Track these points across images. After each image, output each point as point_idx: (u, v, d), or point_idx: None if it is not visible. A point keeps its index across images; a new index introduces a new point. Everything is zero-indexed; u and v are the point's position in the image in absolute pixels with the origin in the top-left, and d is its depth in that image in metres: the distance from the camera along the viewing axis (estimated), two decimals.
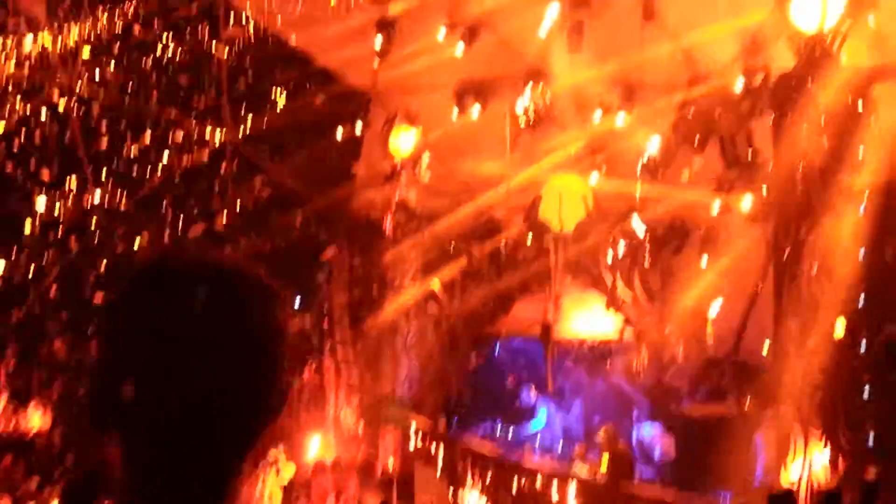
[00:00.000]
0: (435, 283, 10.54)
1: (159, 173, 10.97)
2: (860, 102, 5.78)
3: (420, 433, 10.38)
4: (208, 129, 10.78)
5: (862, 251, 5.70)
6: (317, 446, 11.46)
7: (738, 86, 6.67)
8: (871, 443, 5.66)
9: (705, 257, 7.71)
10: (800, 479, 5.84)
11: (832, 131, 5.80)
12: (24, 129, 10.48)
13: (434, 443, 9.92)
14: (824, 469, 5.74)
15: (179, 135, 11.02)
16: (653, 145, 7.74)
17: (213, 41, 10.37)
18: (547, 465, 8.52)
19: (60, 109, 10.49)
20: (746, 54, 6.60)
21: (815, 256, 5.86)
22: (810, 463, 5.83)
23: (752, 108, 6.55)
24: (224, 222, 11.04)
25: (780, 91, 6.24)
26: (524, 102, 8.49)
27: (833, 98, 5.79)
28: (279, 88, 10.70)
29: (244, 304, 0.96)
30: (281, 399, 0.98)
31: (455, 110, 9.19)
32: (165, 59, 10.43)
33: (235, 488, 0.96)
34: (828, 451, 5.68)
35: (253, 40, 10.35)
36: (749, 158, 6.75)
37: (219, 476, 0.95)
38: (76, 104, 10.44)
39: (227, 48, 10.45)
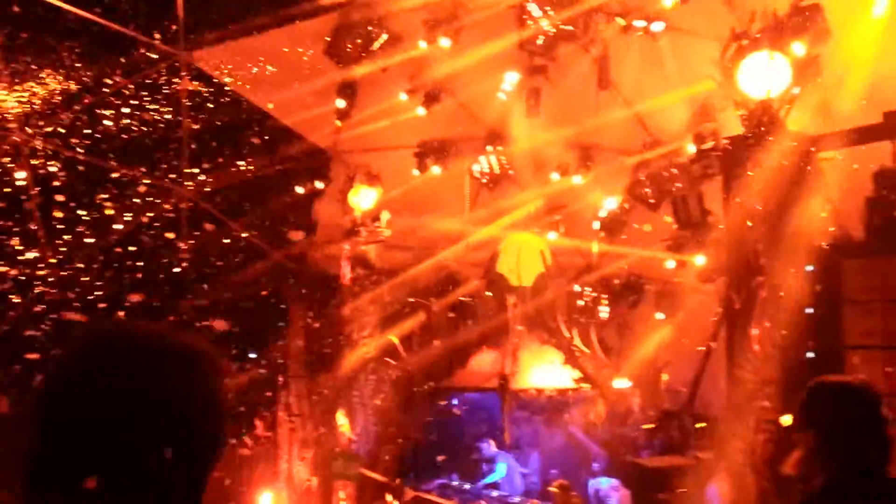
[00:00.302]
0: (393, 337, 10.60)
1: (116, 230, 10.89)
2: (806, 167, 6.10)
3: (376, 487, 10.32)
4: (167, 184, 10.78)
5: (811, 310, 5.97)
6: (268, 502, 11.28)
7: (690, 150, 6.99)
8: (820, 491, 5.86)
9: (660, 314, 7.96)
10: None
11: (779, 194, 6.11)
12: None
13: (391, 496, 9.87)
14: None
15: (137, 192, 10.98)
16: (609, 205, 8.03)
17: (174, 98, 10.44)
18: None
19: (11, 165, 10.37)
20: (697, 120, 6.96)
21: (766, 313, 6.11)
22: None
23: (703, 170, 6.86)
24: (183, 278, 10.96)
25: (729, 155, 6.56)
26: (483, 163, 8.76)
27: (779, 162, 6.12)
28: (241, 145, 10.79)
29: (173, 375, 1.05)
30: (202, 469, 1.08)
31: (416, 171, 9.42)
32: (124, 117, 10.43)
33: None
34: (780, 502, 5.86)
35: (214, 98, 10.46)
36: (700, 219, 7.05)
37: None
38: (29, 161, 10.33)
39: (187, 104, 10.53)
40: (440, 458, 10.29)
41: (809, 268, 6.11)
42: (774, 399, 6.06)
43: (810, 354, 6.07)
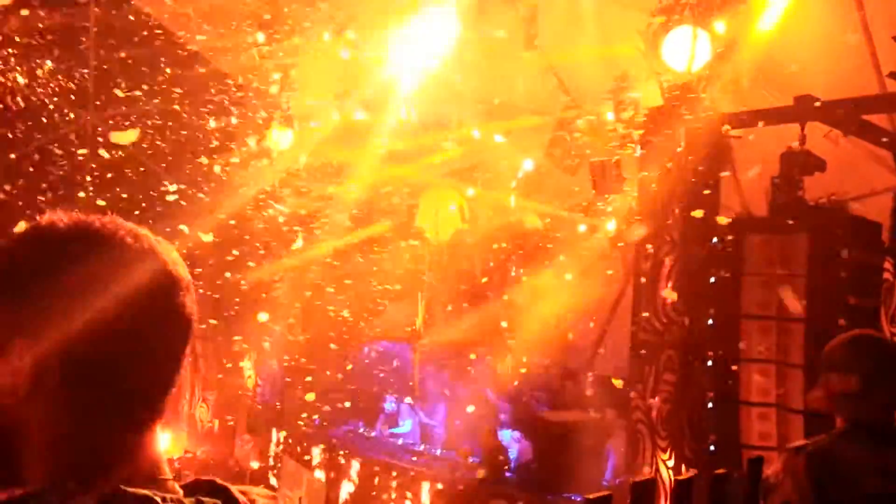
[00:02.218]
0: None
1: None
2: (718, 143, 6.34)
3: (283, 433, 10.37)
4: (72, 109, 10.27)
5: (712, 279, 6.27)
6: (166, 444, 11.18)
7: (609, 117, 7.12)
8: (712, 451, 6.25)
9: (569, 275, 8.19)
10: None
11: (691, 167, 6.33)
12: None
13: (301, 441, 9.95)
14: (669, 474, 6.28)
15: (38, 117, 10.43)
16: (527, 166, 8.14)
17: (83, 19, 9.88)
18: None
19: None
20: (618, 89, 7.08)
21: (671, 280, 6.38)
22: (657, 468, 6.36)
23: (621, 138, 7.02)
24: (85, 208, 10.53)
25: (647, 125, 6.73)
26: (404, 112, 8.67)
27: (694, 136, 6.33)
28: (152, 73, 10.34)
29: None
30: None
31: (335, 115, 9.25)
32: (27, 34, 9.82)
33: (134, 447, 0.96)
34: (672, 459, 6.22)
35: (121, 17, 9.95)
36: (616, 186, 7.23)
37: (119, 434, 0.94)
38: None
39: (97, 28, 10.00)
40: (349, 405, 10.37)
41: (714, 240, 6.40)
42: (674, 361, 6.38)
43: (710, 322, 6.40)
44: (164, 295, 0.98)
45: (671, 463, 6.25)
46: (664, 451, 6.38)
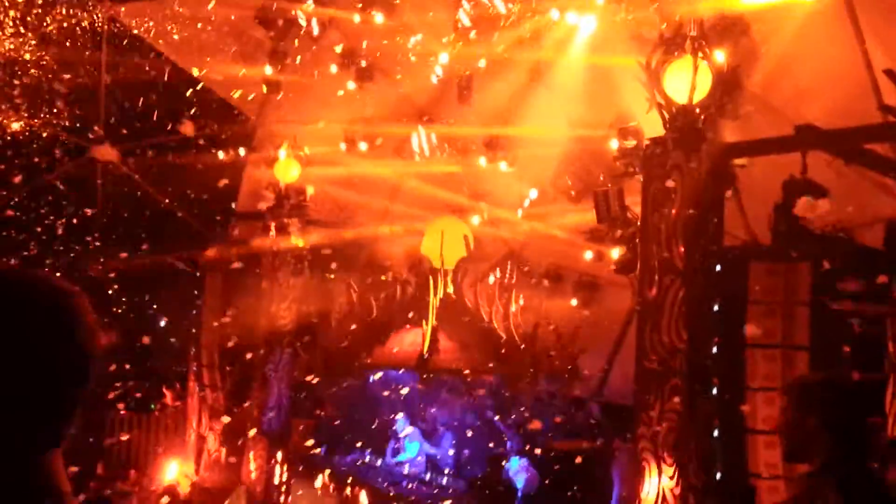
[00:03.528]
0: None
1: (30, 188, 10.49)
2: (720, 172, 6.38)
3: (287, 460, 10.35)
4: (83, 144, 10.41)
5: (716, 307, 6.28)
6: (174, 471, 11.19)
7: (613, 146, 7.19)
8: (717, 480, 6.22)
9: (576, 303, 8.21)
10: None
11: (694, 196, 6.37)
12: None
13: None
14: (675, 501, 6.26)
15: (56, 150, 10.58)
16: (532, 195, 8.21)
17: (95, 54, 10.05)
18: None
19: None
20: (621, 119, 7.16)
21: (675, 308, 6.39)
22: (663, 494, 6.33)
23: (625, 168, 7.07)
24: (98, 240, 10.65)
25: (650, 155, 6.79)
26: (415, 142, 8.80)
27: (697, 165, 6.38)
28: (161, 108, 10.50)
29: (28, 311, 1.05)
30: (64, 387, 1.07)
31: (343, 145, 9.38)
32: (43, 73, 10.00)
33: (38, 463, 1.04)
34: (679, 488, 6.19)
35: (138, 58, 10.12)
36: (619, 214, 7.28)
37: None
38: None
39: (107, 62, 10.16)
40: (353, 434, 10.36)
41: (718, 268, 6.42)
42: (679, 389, 6.37)
43: (714, 350, 6.41)
44: (62, 336, 1.07)
45: (678, 491, 6.22)
46: (671, 479, 6.35)
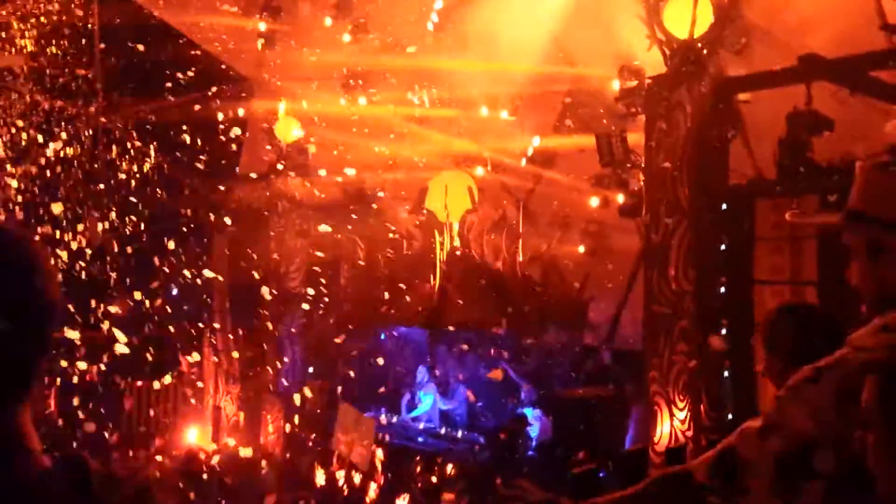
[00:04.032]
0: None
1: (33, 156, 10.44)
2: (724, 107, 6.24)
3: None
4: (84, 110, 10.33)
5: (723, 246, 6.19)
6: (194, 436, 11.31)
7: (614, 87, 7.05)
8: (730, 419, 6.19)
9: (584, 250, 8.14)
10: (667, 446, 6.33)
11: (698, 134, 6.24)
12: None
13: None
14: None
15: (52, 117, 10.52)
16: (535, 142, 8.08)
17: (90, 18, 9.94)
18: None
19: None
20: (621, 58, 7.00)
21: (682, 249, 6.30)
22: (675, 436, 6.32)
23: (627, 109, 6.94)
24: (102, 206, 10.63)
25: (652, 94, 6.64)
26: (414, 98, 8.68)
27: (700, 102, 6.24)
28: (157, 70, 10.38)
29: None
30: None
31: (342, 100, 9.26)
32: (37, 37, 9.90)
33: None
34: (691, 430, 6.17)
35: (132, 21, 10.00)
36: (623, 157, 7.16)
37: None
38: None
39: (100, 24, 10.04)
40: (368, 391, 10.42)
41: (723, 206, 6.31)
42: (688, 331, 6.32)
43: (722, 289, 6.33)
44: (21, 282, 1.05)
45: (690, 433, 6.21)
46: (682, 422, 6.33)
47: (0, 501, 0.96)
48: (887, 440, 1.33)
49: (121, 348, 9.79)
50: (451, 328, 9.49)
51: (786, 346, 2.63)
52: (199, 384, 11.88)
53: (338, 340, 10.54)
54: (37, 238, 1.11)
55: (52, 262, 1.11)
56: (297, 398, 10.51)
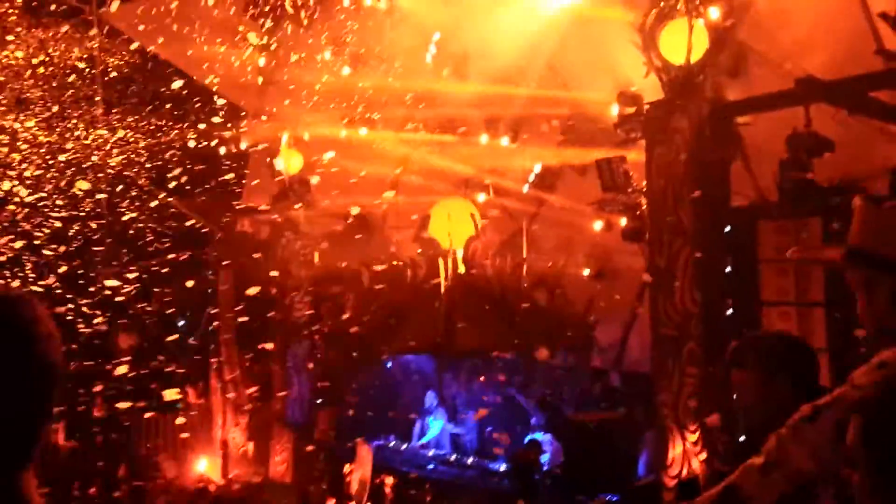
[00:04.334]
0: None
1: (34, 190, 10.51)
2: (723, 131, 6.29)
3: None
4: (84, 143, 10.41)
5: (728, 268, 6.21)
6: (203, 467, 11.29)
7: (613, 113, 7.10)
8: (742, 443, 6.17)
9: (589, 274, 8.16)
10: (679, 474, 6.32)
11: (699, 157, 6.28)
12: None
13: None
14: (701, 469, 6.22)
15: (53, 151, 10.60)
16: (537, 169, 8.13)
17: (89, 57, 10.05)
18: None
19: None
20: (619, 84, 7.06)
21: (687, 273, 6.33)
22: (688, 460, 6.30)
23: (626, 134, 6.99)
24: (104, 243, 10.69)
25: (651, 119, 6.70)
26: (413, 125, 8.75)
27: (699, 126, 6.28)
28: (159, 107, 10.48)
29: None
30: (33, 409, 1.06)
31: (343, 132, 9.33)
32: (40, 75, 10.01)
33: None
34: (704, 454, 6.15)
35: (131, 57, 10.10)
36: (624, 181, 7.20)
37: None
38: None
39: (102, 64, 10.15)
40: (375, 420, 10.40)
41: (727, 229, 6.34)
42: (696, 354, 6.32)
43: (729, 311, 6.34)
44: (22, 347, 1.04)
45: (703, 456, 6.19)
46: (694, 444, 6.32)
47: None
48: (869, 481, 1.35)
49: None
50: (457, 354, 9.48)
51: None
52: (207, 416, 11.88)
53: (331, 370, 10.55)
54: (37, 300, 1.10)
55: (53, 323, 1.10)
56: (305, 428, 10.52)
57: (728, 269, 6.25)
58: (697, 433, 6.27)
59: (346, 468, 7.98)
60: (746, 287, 6.26)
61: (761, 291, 6.24)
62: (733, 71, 6.41)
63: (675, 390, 6.44)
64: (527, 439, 8.75)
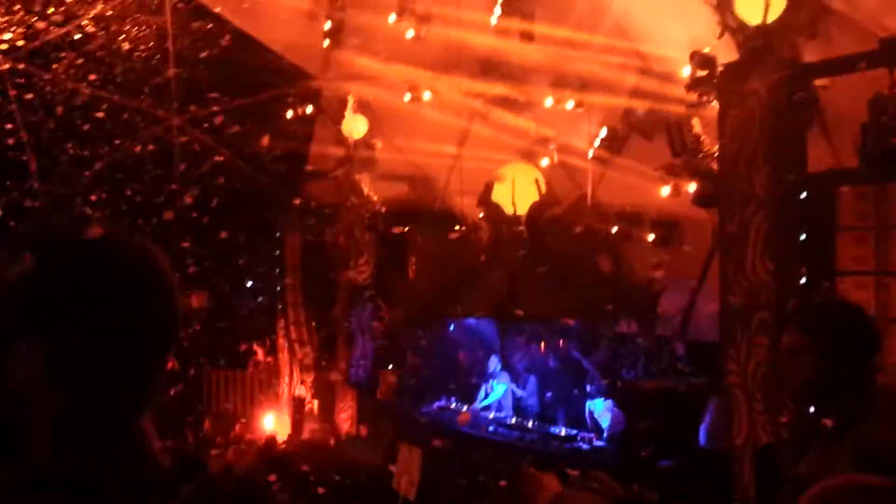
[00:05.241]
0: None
1: (105, 157, 10.82)
2: (801, 94, 6.06)
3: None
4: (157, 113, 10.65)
5: (803, 236, 6.03)
6: (271, 423, 11.62)
7: (684, 76, 6.91)
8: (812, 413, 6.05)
9: (655, 241, 8.03)
10: (744, 444, 6.24)
11: (775, 121, 6.08)
12: None
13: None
14: (768, 439, 6.13)
15: (124, 119, 10.87)
16: (602, 133, 7.99)
17: (157, 23, 10.21)
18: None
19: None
20: (693, 46, 6.86)
21: (759, 240, 6.17)
22: (755, 434, 6.21)
23: (698, 97, 6.80)
24: (175, 206, 10.97)
25: (725, 81, 6.50)
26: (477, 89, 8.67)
27: (775, 89, 6.07)
28: (228, 72, 10.62)
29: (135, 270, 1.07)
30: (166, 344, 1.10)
31: (408, 95, 9.31)
32: (108, 43, 10.23)
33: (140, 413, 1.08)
34: (771, 423, 6.05)
35: (200, 22, 10.24)
36: (695, 146, 7.03)
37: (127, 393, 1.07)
38: (17, 90, 10.18)
39: (170, 30, 10.31)
40: (437, 381, 10.53)
41: (803, 195, 6.14)
42: (767, 323, 6.19)
43: (803, 280, 6.18)
44: (147, 295, 1.08)
45: (770, 427, 6.10)
46: (761, 414, 6.22)
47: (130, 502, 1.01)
48: None
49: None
50: (520, 319, 9.48)
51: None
52: (275, 374, 12.21)
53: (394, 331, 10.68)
54: (157, 248, 1.13)
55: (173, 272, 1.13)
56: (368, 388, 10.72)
57: (803, 236, 6.07)
58: (764, 402, 6.17)
59: (392, 468, 8.10)
60: (821, 255, 6.09)
61: (837, 260, 6.06)
62: (812, 31, 6.15)
63: (742, 360, 6.33)
64: (587, 405, 8.76)
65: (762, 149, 6.13)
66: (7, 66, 9.60)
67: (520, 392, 9.72)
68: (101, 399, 1.04)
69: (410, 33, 8.63)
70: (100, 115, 10.54)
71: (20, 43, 9.59)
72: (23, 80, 9.97)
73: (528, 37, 7.95)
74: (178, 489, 1.05)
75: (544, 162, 9.16)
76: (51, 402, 1.02)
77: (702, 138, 6.97)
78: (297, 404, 11.76)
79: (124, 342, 1.05)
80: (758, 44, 6.10)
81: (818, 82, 5.98)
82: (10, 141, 10.10)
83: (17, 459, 1.02)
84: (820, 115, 6.25)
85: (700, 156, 7.02)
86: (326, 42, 9.28)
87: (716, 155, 6.74)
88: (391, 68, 9.11)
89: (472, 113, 9.09)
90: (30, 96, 10.07)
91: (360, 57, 9.29)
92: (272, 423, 11.73)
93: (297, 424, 11.52)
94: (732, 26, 6.25)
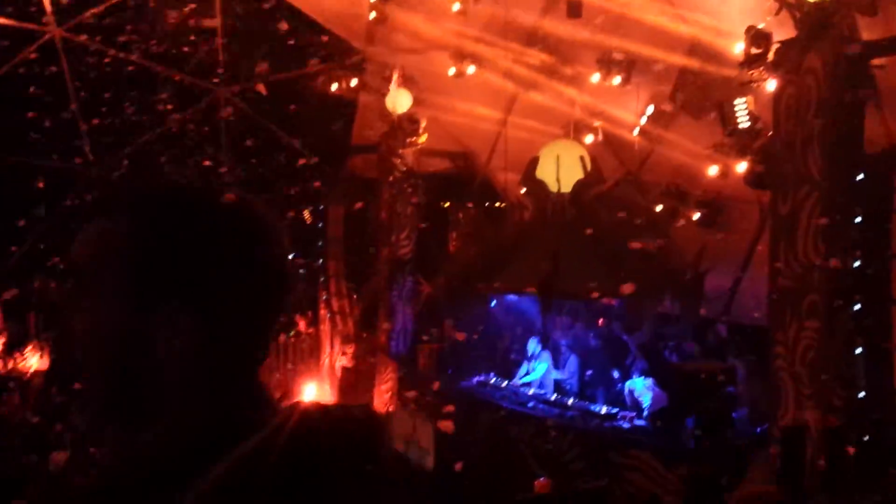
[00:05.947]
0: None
1: (155, 127, 10.97)
2: (858, 73, 5.91)
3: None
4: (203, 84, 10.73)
5: (858, 218, 5.92)
6: (312, 392, 11.77)
7: (738, 52, 6.77)
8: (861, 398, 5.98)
9: (701, 220, 7.92)
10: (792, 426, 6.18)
11: (831, 100, 5.94)
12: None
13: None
14: (815, 423, 6.07)
15: (173, 89, 10.98)
16: (650, 111, 7.87)
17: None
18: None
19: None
20: (746, 22, 6.71)
21: (811, 221, 6.06)
22: (801, 414, 6.15)
23: (752, 75, 6.66)
24: (220, 175, 11.09)
25: (781, 59, 6.35)
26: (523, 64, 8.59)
27: (832, 67, 5.93)
28: (273, 44, 10.65)
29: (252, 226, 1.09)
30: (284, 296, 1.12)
31: (452, 70, 9.25)
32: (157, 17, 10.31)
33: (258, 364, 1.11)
34: (819, 409, 5.99)
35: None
36: (748, 125, 6.90)
37: (250, 348, 1.10)
38: (69, 60, 10.33)
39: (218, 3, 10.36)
40: (478, 357, 10.57)
41: (859, 176, 6.01)
42: (818, 307, 6.10)
43: (857, 264, 6.06)
44: (261, 249, 1.10)
45: (817, 412, 6.03)
46: (809, 398, 6.15)
47: (254, 451, 1.01)
48: None
49: None
50: (562, 296, 9.45)
51: None
52: (316, 344, 12.35)
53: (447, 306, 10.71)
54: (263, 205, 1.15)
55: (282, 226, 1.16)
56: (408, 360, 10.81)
57: (858, 219, 5.95)
58: (812, 387, 6.10)
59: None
60: (877, 239, 5.96)
61: (893, 244, 5.94)
62: (870, 9, 5.97)
63: (791, 343, 6.25)
64: (627, 384, 8.74)
65: (818, 129, 6.00)
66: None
67: (560, 374, 9.72)
68: (240, 358, 1.09)
69: (457, 6, 8.56)
70: (145, 88, 10.66)
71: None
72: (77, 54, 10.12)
73: (575, 11, 7.82)
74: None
75: (589, 139, 9.07)
76: (193, 368, 1.06)
77: (757, 117, 6.83)
78: (340, 374, 11.90)
79: (259, 303, 1.09)
80: (816, 20, 5.94)
81: (875, 61, 5.82)
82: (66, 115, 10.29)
83: (149, 424, 1.06)
84: (876, 95, 6.09)
85: (754, 135, 6.88)
86: (372, 14, 9.23)
87: (769, 134, 6.61)
88: (436, 41, 9.04)
89: (518, 83, 8.99)
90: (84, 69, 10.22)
91: (404, 30, 9.24)
92: (313, 392, 11.89)
93: (338, 394, 11.67)
94: (790, 1, 6.09)
